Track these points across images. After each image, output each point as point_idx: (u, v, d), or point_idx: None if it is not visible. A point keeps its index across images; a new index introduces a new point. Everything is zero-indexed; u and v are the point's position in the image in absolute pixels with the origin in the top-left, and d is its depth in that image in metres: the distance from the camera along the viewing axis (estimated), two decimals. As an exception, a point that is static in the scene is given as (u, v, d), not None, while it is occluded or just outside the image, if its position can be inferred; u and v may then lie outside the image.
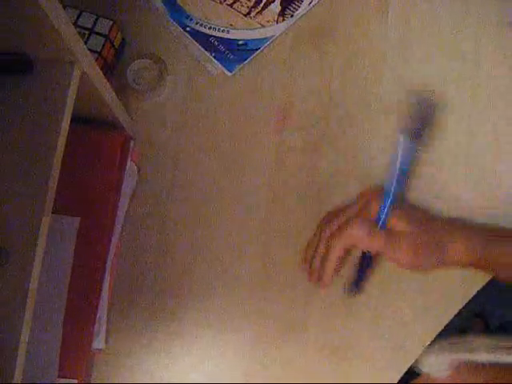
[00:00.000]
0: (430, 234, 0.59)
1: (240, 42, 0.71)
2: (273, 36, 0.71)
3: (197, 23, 0.72)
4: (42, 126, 0.49)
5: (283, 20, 0.72)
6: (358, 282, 0.62)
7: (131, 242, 0.66)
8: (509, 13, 0.70)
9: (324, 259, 0.60)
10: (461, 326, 0.75)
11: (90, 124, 0.63)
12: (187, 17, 0.72)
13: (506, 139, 0.66)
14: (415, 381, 0.63)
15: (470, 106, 0.68)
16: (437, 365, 0.56)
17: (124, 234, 0.66)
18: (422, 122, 0.63)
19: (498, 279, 0.60)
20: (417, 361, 0.59)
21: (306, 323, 0.63)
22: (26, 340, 0.46)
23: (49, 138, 0.48)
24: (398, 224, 0.59)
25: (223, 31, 0.71)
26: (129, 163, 0.66)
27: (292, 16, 0.72)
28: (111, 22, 0.67)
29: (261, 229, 0.66)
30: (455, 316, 0.62)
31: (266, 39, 0.71)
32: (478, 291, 0.63)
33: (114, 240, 0.64)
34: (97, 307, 0.62)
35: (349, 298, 0.63)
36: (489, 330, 0.78)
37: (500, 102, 0.68)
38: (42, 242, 0.47)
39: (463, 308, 0.63)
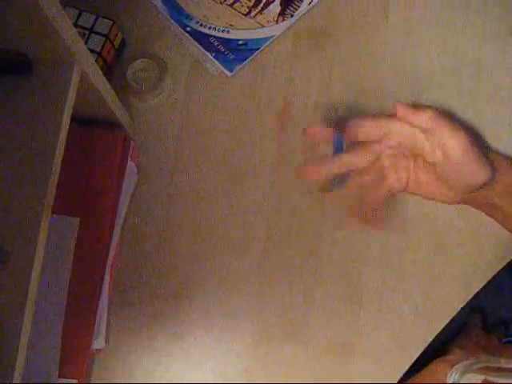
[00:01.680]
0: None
1: (240, 42, 0.71)
2: (273, 36, 0.71)
3: (197, 23, 0.72)
4: (42, 126, 0.49)
5: (283, 20, 0.71)
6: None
7: (131, 242, 0.66)
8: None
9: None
10: (460, 322, 0.75)
11: (90, 124, 0.64)
12: (187, 17, 0.72)
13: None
14: (413, 380, 0.63)
15: (469, 108, 0.68)
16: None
17: (124, 233, 0.66)
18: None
19: None
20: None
21: (307, 322, 0.63)
22: (26, 340, 0.46)
23: (49, 138, 0.48)
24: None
25: (223, 31, 0.71)
26: (129, 163, 0.66)
27: (292, 16, 0.71)
28: (111, 22, 0.67)
29: (262, 228, 0.66)
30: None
31: (266, 39, 0.71)
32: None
33: (114, 240, 0.64)
34: (97, 307, 0.62)
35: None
36: (488, 325, 0.78)
37: (500, 106, 0.68)
38: (41, 241, 0.47)
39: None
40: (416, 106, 0.55)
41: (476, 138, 0.57)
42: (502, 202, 0.59)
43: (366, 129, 0.57)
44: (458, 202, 0.61)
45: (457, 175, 0.56)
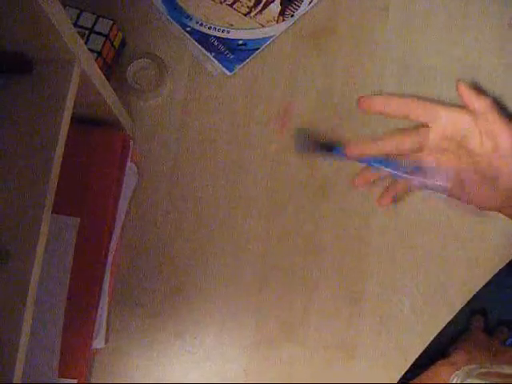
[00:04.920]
0: None
1: (240, 42, 0.71)
2: (273, 36, 0.71)
3: (197, 23, 0.72)
4: (42, 126, 0.49)
5: (283, 20, 0.71)
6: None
7: (131, 242, 0.66)
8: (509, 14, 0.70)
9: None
10: (462, 324, 0.75)
11: (90, 124, 0.64)
12: (187, 17, 0.72)
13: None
14: (415, 381, 0.63)
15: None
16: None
17: (124, 233, 0.66)
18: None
19: None
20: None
21: (307, 323, 0.63)
22: (26, 340, 0.46)
23: (49, 138, 0.48)
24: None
25: (223, 31, 0.71)
26: (129, 163, 0.66)
27: (292, 16, 0.71)
28: (111, 22, 0.67)
29: (261, 229, 0.66)
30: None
31: (265, 39, 0.71)
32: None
33: (114, 240, 0.64)
34: (97, 307, 0.62)
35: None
36: (489, 326, 0.78)
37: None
38: (42, 241, 0.47)
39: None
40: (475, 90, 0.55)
41: None
42: None
43: (415, 108, 0.56)
44: (495, 208, 0.58)
45: (504, 170, 0.53)
